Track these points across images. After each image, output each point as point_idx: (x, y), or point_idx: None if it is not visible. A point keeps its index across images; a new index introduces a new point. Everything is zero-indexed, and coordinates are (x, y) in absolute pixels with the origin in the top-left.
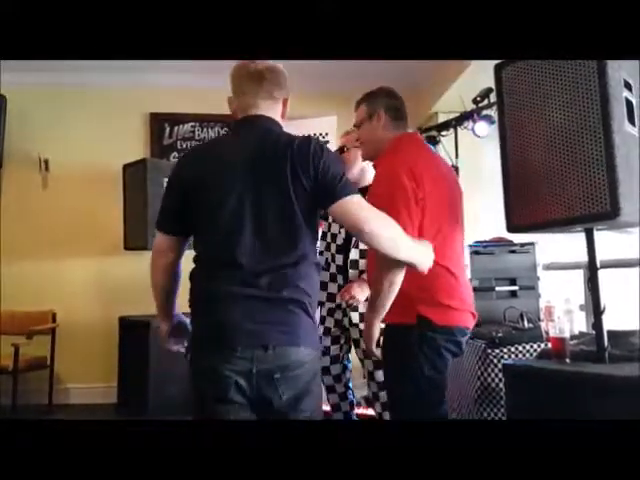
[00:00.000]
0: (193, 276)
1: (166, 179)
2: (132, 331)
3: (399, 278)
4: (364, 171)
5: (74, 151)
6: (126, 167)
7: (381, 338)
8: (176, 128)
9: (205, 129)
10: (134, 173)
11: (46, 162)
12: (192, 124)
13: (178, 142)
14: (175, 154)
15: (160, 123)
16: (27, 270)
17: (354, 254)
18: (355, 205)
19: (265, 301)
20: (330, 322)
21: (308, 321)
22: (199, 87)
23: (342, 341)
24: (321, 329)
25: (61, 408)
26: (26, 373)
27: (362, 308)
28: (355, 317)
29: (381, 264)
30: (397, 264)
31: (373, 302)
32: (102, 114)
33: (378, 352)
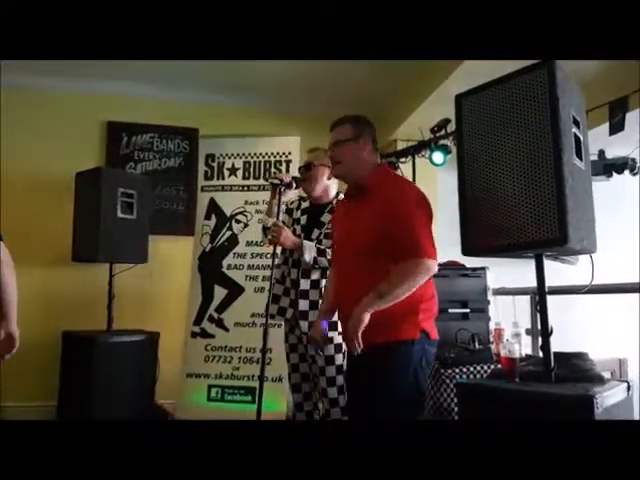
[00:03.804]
0: None
1: (122, 189)
2: (76, 347)
3: (416, 286)
4: (327, 188)
5: (22, 158)
6: (79, 175)
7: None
8: (134, 138)
9: (165, 140)
10: (87, 182)
11: None
12: (151, 135)
13: (135, 152)
14: (132, 164)
15: (117, 132)
16: None
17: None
18: None
19: None
20: (294, 339)
21: None
22: (160, 98)
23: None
24: (287, 347)
25: None
26: None
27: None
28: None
29: (409, 268)
30: (421, 275)
31: (382, 294)
32: (55, 120)
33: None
